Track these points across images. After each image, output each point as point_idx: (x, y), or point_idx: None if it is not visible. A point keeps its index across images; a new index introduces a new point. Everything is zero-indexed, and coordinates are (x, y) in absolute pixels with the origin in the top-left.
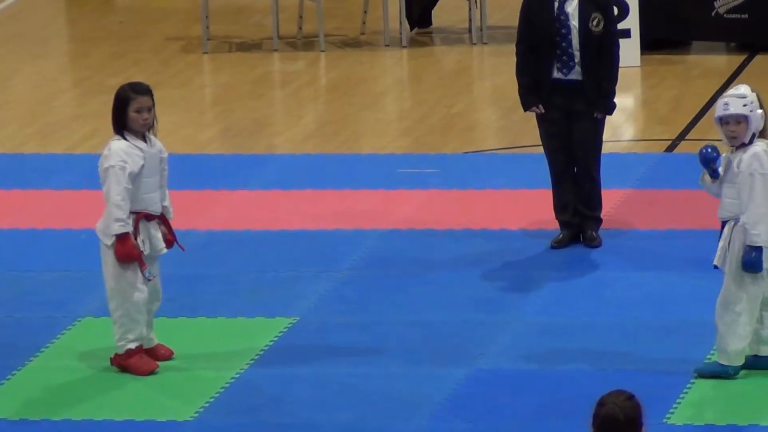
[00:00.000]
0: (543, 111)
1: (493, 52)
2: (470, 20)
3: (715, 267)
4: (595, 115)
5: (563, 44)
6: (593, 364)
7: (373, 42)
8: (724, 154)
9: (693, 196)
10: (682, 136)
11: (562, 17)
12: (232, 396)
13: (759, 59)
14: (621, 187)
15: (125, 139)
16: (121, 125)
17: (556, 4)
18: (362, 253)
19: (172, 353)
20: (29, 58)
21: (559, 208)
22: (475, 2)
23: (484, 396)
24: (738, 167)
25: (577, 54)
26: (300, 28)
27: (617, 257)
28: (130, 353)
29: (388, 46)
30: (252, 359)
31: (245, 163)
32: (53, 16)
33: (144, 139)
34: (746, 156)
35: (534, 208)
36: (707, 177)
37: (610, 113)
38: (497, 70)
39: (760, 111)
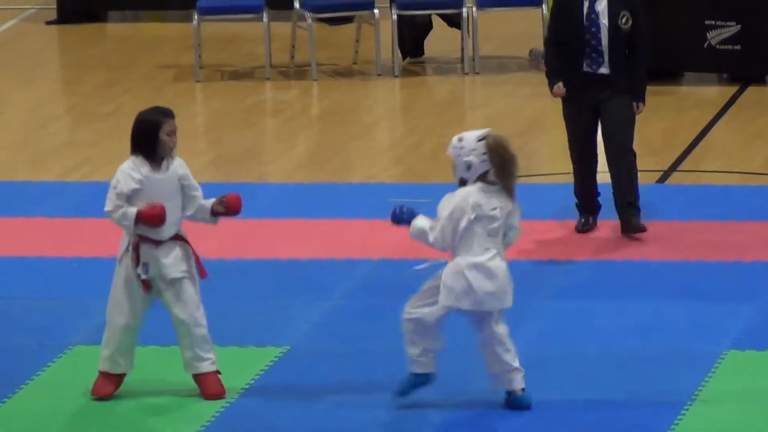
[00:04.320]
0: (564, 92)
1: (486, 82)
2: (462, 50)
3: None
4: (636, 111)
5: (593, 42)
6: (583, 394)
7: (366, 71)
8: None
9: (685, 227)
10: (674, 168)
11: (592, 16)
12: (223, 425)
13: (751, 90)
14: (613, 218)
15: (132, 160)
16: (145, 149)
17: (587, 4)
18: (354, 282)
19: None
20: (21, 85)
21: (580, 191)
22: (468, 32)
23: (474, 426)
24: None
25: (606, 50)
26: (292, 57)
27: (608, 287)
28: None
29: (380, 75)
30: (242, 388)
31: (236, 191)
32: (45, 42)
33: (160, 164)
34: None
35: (526, 237)
36: None
37: (644, 101)
38: (489, 99)
39: (476, 160)
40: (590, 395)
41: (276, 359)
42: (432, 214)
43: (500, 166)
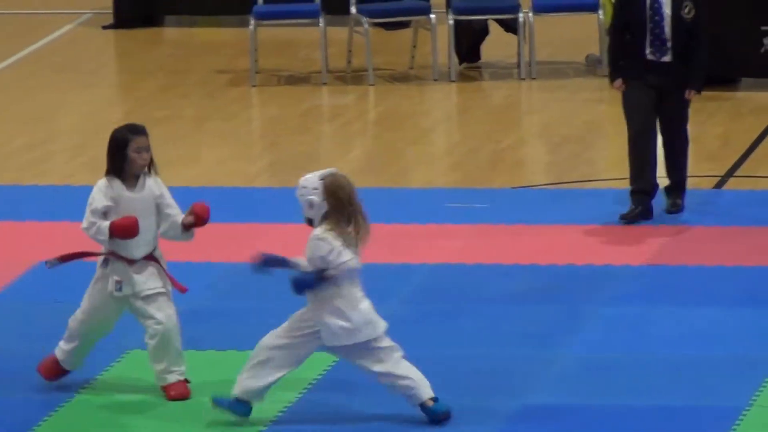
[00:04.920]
0: (622, 88)
1: (542, 87)
2: (519, 55)
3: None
4: (687, 95)
5: (656, 30)
6: (640, 400)
7: (422, 76)
8: None
9: (742, 232)
10: (730, 173)
11: (656, 5)
12: (281, 428)
13: None
14: (669, 223)
15: (107, 178)
16: (115, 166)
17: None
18: (411, 287)
19: None
20: (78, 90)
21: (635, 173)
22: (524, 37)
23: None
24: None
25: (669, 39)
26: (349, 62)
27: (665, 293)
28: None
29: (436, 80)
30: (301, 392)
31: (293, 196)
32: (103, 47)
33: (135, 182)
34: None
35: (582, 243)
36: None
37: (700, 92)
38: (546, 105)
39: (317, 199)
40: (647, 401)
41: (334, 363)
42: (488, 219)
43: (334, 207)
